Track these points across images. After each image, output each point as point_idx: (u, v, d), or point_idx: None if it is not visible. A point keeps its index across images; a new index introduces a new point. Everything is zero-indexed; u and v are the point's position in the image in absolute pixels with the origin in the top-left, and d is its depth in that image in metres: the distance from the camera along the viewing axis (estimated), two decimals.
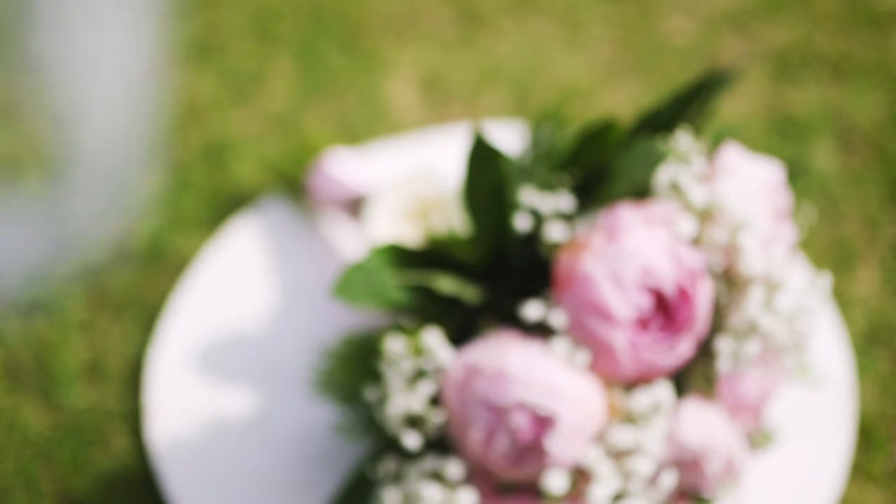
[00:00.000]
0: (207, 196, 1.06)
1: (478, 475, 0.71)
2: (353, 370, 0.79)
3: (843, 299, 0.92)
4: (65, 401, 0.93)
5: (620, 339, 0.67)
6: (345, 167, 0.96)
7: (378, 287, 0.72)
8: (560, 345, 0.68)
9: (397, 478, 0.73)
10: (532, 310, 0.69)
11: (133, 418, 0.92)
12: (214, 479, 0.86)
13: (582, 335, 0.68)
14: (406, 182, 0.88)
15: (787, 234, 0.74)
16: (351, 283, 0.72)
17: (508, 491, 0.71)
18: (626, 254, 0.67)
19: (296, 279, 0.97)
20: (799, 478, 0.82)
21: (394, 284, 0.71)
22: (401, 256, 0.73)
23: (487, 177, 0.71)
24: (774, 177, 0.74)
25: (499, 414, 0.67)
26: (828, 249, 0.96)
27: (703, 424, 0.71)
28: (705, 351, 0.71)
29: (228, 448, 0.87)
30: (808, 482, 0.82)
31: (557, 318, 0.68)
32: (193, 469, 0.86)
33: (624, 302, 0.67)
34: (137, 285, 1.00)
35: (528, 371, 0.67)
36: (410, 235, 0.85)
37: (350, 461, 0.83)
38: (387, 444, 0.75)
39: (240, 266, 0.98)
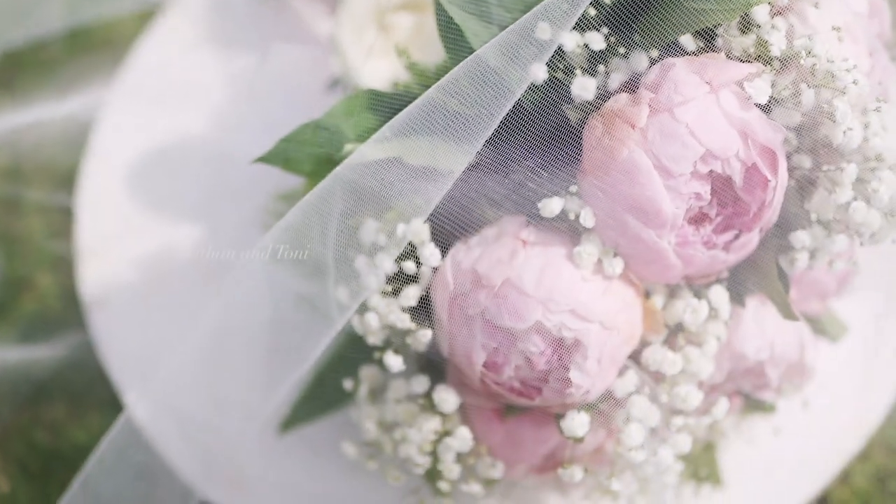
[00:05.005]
0: None
1: (475, 395, 0.56)
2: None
3: None
4: None
5: (671, 242, 0.51)
6: None
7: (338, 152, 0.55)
8: (588, 248, 0.51)
9: (375, 394, 0.58)
10: (553, 203, 0.51)
11: (62, 252, 0.76)
12: (156, 335, 0.71)
13: (619, 236, 0.51)
14: None
15: (889, 73, 0.56)
16: (299, 145, 0.54)
17: (516, 413, 0.56)
18: (681, 130, 0.49)
19: (255, 75, 0.78)
20: (866, 349, 0.68)
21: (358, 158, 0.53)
22: (374, 106, 0.55)
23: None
24: None
25: (508, 336, 0.52)
26: None
27: (766, 329, 0.56)
28: (775, 238, 0.55)
29: (173, 298, 0.72)
30: (878, 356, 0.68)
31: (586, 215, 0.51)
32: (132, 322, 0.71)
33: (677, 196, 0.50)
34: (55, 71, 0.82)
35: (545, 284, 0.51)
36: (389, 64, 0.66)
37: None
38: (360, 341, 0.59)
39: (186, 55, 0.79)
